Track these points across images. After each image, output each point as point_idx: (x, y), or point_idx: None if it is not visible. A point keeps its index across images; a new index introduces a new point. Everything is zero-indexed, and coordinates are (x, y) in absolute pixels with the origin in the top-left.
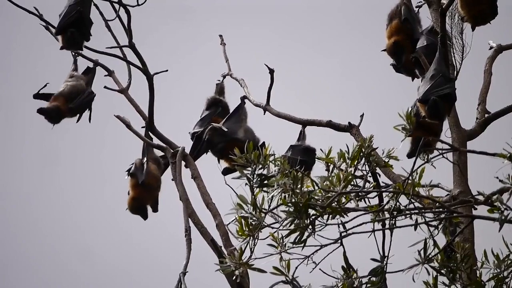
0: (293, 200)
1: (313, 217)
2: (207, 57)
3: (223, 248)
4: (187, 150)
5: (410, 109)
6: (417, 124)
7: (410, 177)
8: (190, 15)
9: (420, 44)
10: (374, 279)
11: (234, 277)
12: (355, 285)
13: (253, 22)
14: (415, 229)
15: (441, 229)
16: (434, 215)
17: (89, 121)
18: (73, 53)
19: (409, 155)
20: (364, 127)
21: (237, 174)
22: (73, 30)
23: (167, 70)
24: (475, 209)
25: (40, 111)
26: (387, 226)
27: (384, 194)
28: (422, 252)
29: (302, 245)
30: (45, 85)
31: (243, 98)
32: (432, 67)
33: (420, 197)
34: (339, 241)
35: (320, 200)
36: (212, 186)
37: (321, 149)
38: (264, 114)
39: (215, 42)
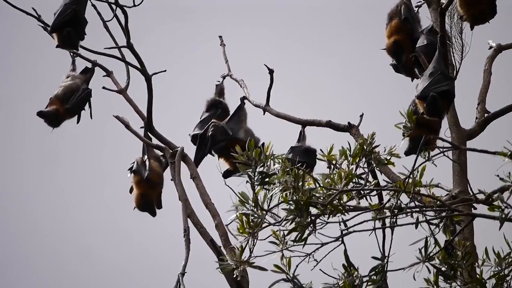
0: (294, 198)
1: (314, 215)
2: (206, 57)
3: (222, 248)
4: (187, 150)
5: (408, 107)
6: (415, 122)
7: (411, 175)
8: (189, 15)
9: (420, 43)
10: (375, 277)
11: (234, 276)
12: (356, 283)
13: (253, 22)
14: (416, 227)
15: (441, 228)
16: (435, 213)
17: (91, 118)
18: (72, 54)
19: (407, 153)
20: (364, 127)
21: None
22: (70, 29)
23: (165, 71)
24: (475, 208)
25: (40, 114)
26: (388, 224)
27: (384, 193)
28: (423, 250)
29: (303, 243)
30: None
31: (243, 99)
32: (431, 65)
33: (421, 196)
34: (340, 239)
35: (321, 198)
36: (211, 186)
37: (321, 149)
38: (264, 114)
39: (215, 42)
